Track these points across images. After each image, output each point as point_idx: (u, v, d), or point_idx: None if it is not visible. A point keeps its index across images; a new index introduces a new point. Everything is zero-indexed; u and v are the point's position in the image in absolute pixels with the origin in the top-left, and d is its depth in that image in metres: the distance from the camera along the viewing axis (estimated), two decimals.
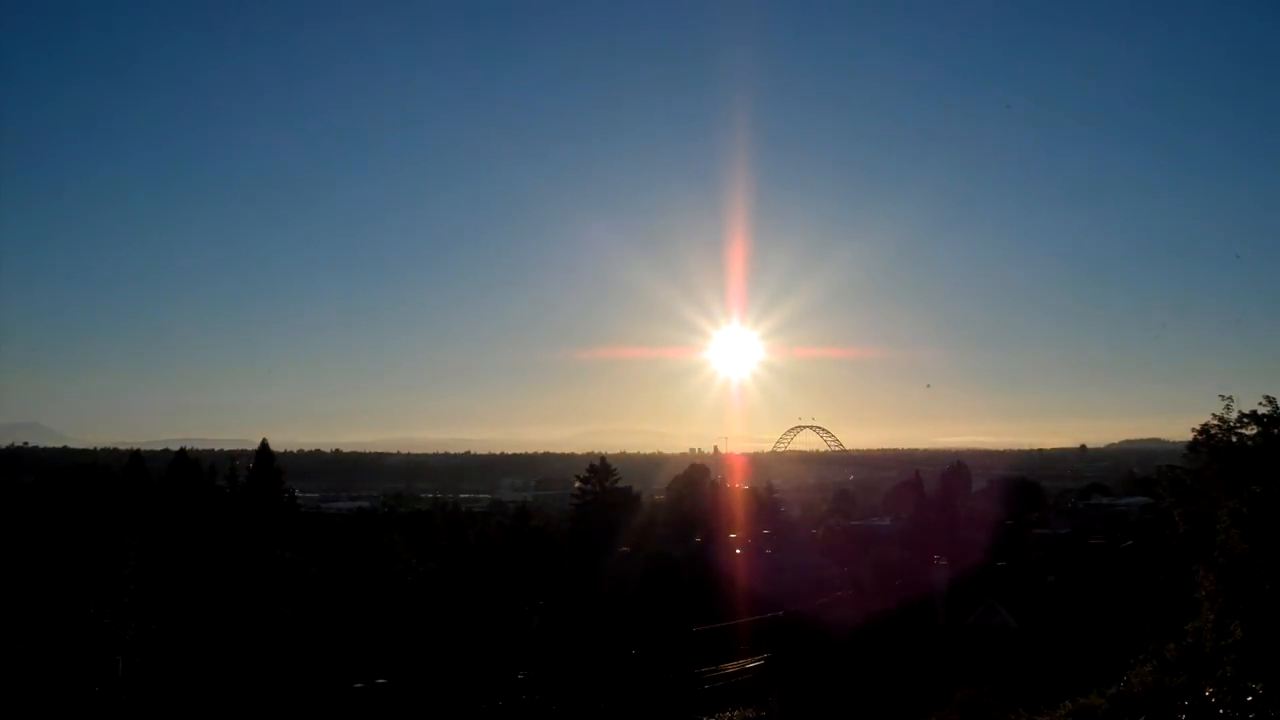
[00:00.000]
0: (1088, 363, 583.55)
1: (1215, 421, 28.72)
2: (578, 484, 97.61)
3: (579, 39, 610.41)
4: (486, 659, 56.33)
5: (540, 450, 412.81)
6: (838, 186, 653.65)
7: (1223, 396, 28.89)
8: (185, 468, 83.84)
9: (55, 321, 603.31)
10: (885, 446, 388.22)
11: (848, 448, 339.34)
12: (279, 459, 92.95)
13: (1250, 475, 24.34)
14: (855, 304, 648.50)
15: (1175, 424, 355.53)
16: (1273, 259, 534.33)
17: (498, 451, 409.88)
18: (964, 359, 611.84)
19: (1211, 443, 28.79)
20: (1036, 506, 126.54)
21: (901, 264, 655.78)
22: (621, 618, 64.45)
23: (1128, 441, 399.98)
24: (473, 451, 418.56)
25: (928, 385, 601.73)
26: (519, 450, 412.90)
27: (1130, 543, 73.64)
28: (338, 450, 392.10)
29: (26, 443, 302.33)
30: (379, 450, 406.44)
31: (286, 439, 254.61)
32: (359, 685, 49.93)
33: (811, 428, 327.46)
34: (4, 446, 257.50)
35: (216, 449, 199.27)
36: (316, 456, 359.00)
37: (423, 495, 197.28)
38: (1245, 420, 28.34)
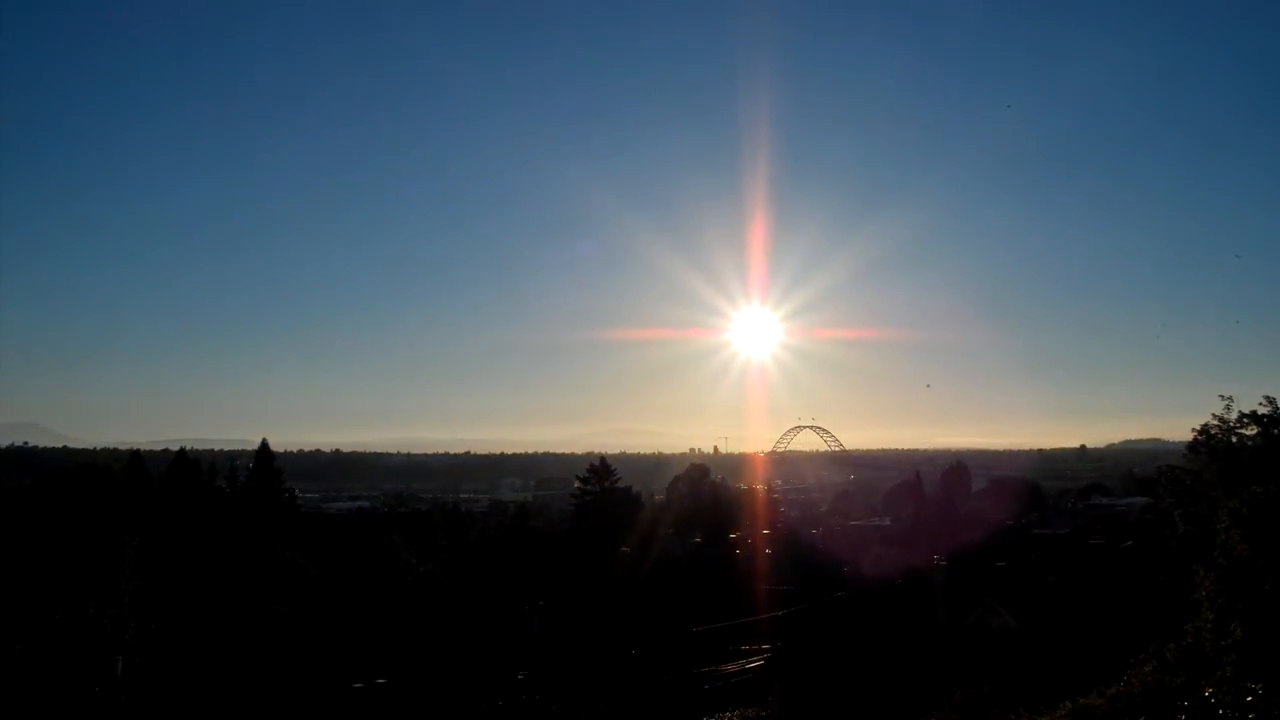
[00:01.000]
0: (1088, 363, 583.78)
1: (1215, 422, 28.76)
2: (578, 484, 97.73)
3: (597, 19, 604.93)
4: (486, 659, 56.33)
5: (540, 450, 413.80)
6: (859, 168, 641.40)
7: (1223, 396, 28.96)
8: (185, 468, 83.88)
9: (55, 322, 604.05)
10: (885, 446, 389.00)
11: (848, 448, 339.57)
12: (279, 459, 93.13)
13: (1250, 475, 24.33)
14: (874, 287, 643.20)
15: (1175, 424, 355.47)
16: (1273, 259, 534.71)
17: (498, 451, 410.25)
18: (976, 345, 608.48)
19: (1211, 443, 28.81)
20: (1036, 506, 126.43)
21: (916, 249, 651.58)
22: (622, 618, 64.48)
23: (1128, 441, 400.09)
24: (473, 451, 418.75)
25: (928, 385, 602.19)
26: (519, 450, 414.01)
27: (1130, 543, 73.54)
28: (338, 450, 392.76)
29: (26, 443, 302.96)
30: (379, 450, 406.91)
31: (286, 439, 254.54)
32: (359, 685, 49.96)
33: (811, 428, 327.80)
34: (4, 446, 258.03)
35: (216, 449, 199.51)
36: (316, 456, 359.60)
37: (423, 495, 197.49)
38: (1245, 420, 28.37)
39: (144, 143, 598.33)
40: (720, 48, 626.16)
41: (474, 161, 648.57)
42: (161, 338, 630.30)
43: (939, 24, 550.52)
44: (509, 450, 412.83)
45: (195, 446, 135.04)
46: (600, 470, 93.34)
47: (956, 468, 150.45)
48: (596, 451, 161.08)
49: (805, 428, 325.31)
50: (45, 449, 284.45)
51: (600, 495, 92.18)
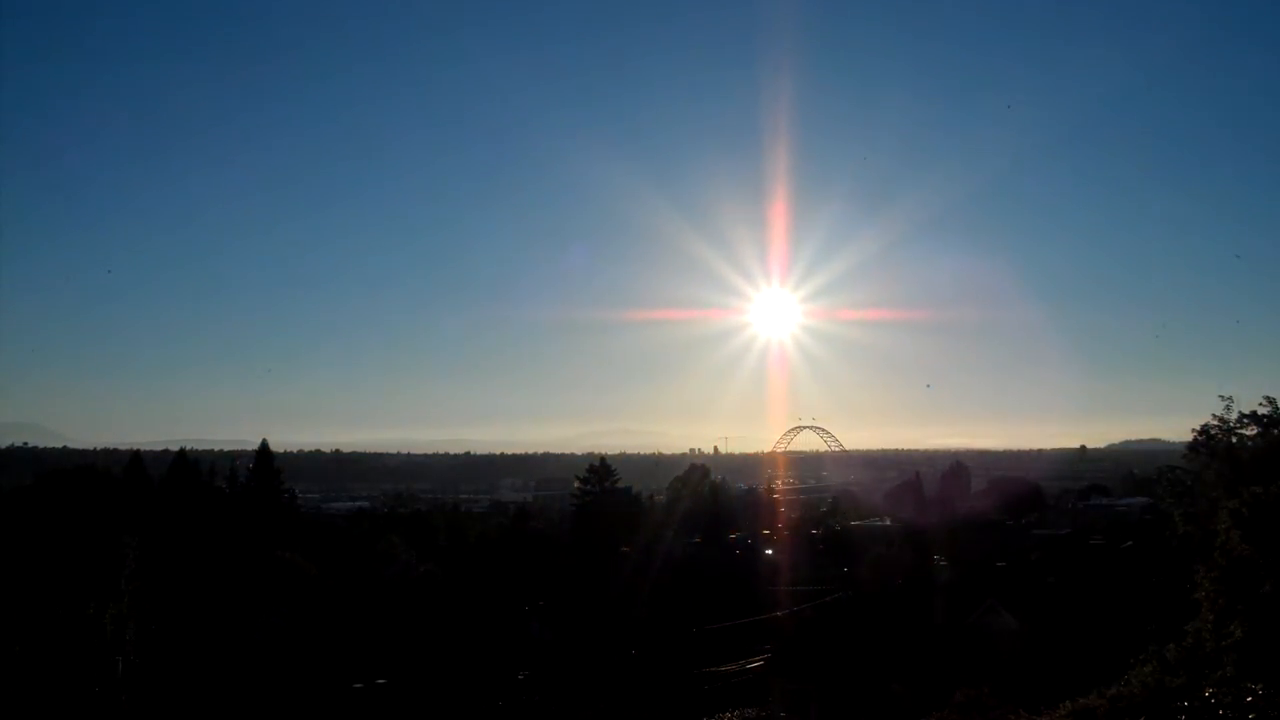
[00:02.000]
0: (1088, 363, 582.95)
1: (1215, 422, 28.80)
2: (578, 484, 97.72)
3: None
4: (486, 659, 56.37)
5: (540, 450, 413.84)
6: (885, 144, 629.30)
7: (1223, 397, 29.04)
8: (185, 468, 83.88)
9: (55, 322, 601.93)
10: (885, 446, 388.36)
11: (848, 448, 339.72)
12: (279, 459, 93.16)
13: (1250, 476, 24.38)
14: (891, 270, 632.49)
15: (1175, 424, 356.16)
16: (1273, 259, 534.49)
17: (498, 451, 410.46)
18: (976, 343, 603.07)
19: (1211, 443, 28.85)
20: (1036, 507, 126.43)
21: (924, 238, 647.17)
22: (622, 618, 64.50)
23: (1128, 441, 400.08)
24: (473, 451, 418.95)
25: (928, 385, 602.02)
26: (519, 450, 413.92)
27: (1130, 543, 73.51)
28: (338, 450, 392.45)
29: (26, 443, 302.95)
30: (379, 450, 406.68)
31: (286, 439, 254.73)
32: (359, 685, 50.01)
33: (811, 428, 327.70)
34: (4, 446, 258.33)
35: (216, 449, 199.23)
36: (316, 456, 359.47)
37: (422, 495, 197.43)
38: (1245, 421, 28.43)
39: (144, 142, 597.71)
40: (743, 27, 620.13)
41: (477, 155, 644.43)
42: (161, 338, 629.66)
43: (965, 5, 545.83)
44: (509, 450, 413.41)
45: (195, 447, 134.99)
46: (600, 470, 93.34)
47: (956, 468, 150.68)
48: (596, 452, 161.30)
49: (805, 428, 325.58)
50: (45, 449, 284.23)
51: (600, 496, 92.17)
